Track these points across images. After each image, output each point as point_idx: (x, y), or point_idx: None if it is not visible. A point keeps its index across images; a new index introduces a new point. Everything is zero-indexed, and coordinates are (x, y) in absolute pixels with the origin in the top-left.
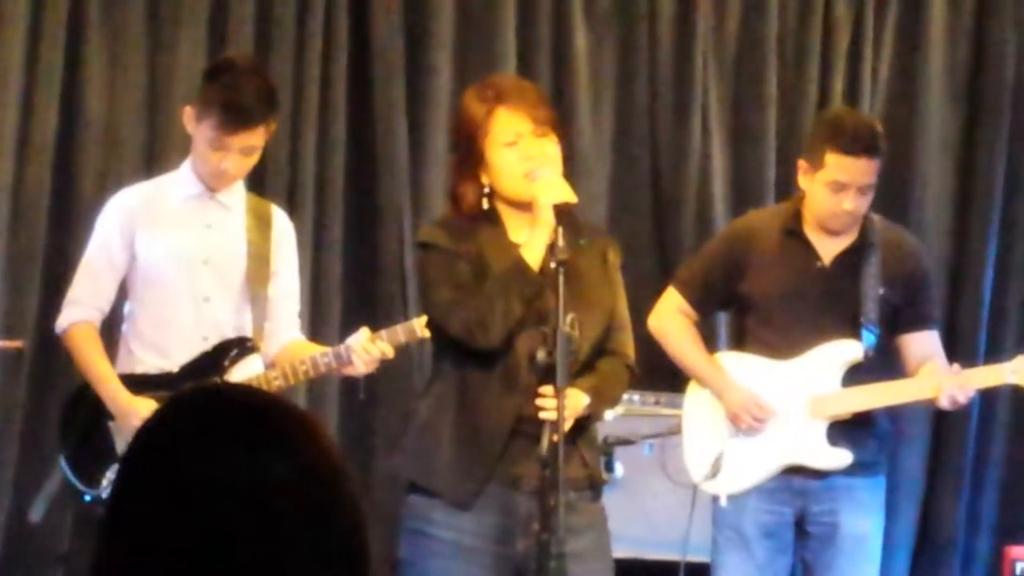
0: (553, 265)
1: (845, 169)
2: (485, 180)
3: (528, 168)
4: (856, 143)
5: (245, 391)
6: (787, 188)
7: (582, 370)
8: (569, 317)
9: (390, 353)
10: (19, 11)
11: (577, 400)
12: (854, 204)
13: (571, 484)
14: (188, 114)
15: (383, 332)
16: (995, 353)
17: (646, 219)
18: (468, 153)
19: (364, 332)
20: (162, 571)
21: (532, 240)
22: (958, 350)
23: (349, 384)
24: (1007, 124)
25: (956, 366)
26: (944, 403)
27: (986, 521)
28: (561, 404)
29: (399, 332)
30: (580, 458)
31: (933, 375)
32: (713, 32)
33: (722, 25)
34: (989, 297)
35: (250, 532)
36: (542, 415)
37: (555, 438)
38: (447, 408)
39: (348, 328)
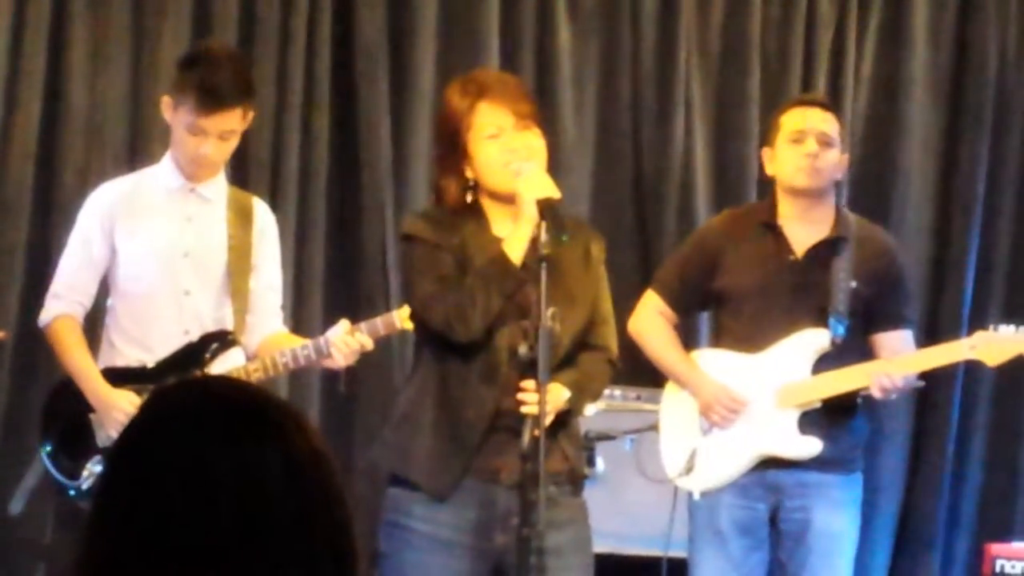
0: (537, 260)
1: (798, 117)
2: (469, 174)
3: (510, 160)
4: (805, 97)
5: (230, 384)
6: (769, 185)
7: (562, 364)
8: (550, 311)
9: (369, 345)
10: (2, 4)
11: (558, 394)
12: (815, 149)
13: (552, 478)
14: (166, 103)
15: (362, 324)
16: None
17: (629, 215)
18: (451, 147)
19: (343, 324)
20: (148, 566)
21: (514, 234)
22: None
23: (331, 377)
24: (989, 123)
25: (896, 355)
26: (875, 391)
27: (966, 519)
28: (543, 399)
29: (379, 324)
30: (561, 452)
31: (889, 360)
32: (696, 29)
33: (705, 22)
34: (971, 295)
35: (237, 525)
36: (523, 410)
37: (536, 433)
38: (427, 400)
39: (330, 322)
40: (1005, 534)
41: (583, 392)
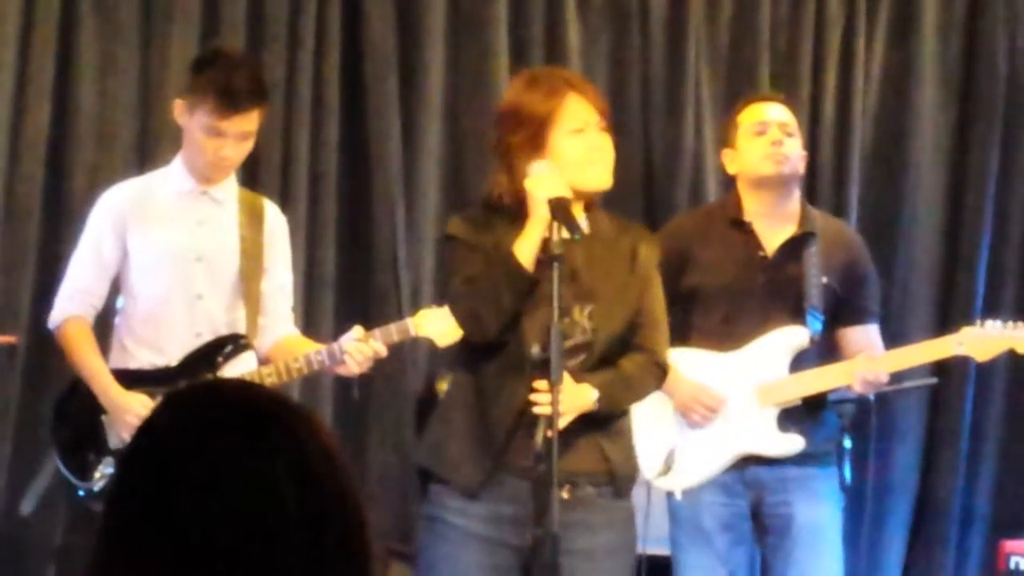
0: (549, 259)
1: (757, 111)
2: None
3: (594, 160)
4: (763, 94)
5: (243, 386)
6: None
7: (599, 364)
8: (587, 309)
9: (383, 352)
10: (11, 6)
11: (584, 395)
12: (779, 137)
13: (587, 478)
14: (179, 107)
15: (376, 331)
16: None
17: (639, 213)
18: (530, 136)
19: (357, 331)
20: (161, 567)
21: (525, 234)
22: None
23: (344, 382)
24: (999, 120)
25: (879, 351)
26: (857, 386)
27: (980, 516)
28: (556, 399)
29: (393, 331)
30: (599, 452)
31: (876, 356)
32: (705, 28)
33: (714, 22)
34: (983, 293)
35: (249, 527)
36: (535, 410)
37: (550, 433)
38: (460, 398)
39: (342, 323)
40: (1019, 531)
41: (615, 393)
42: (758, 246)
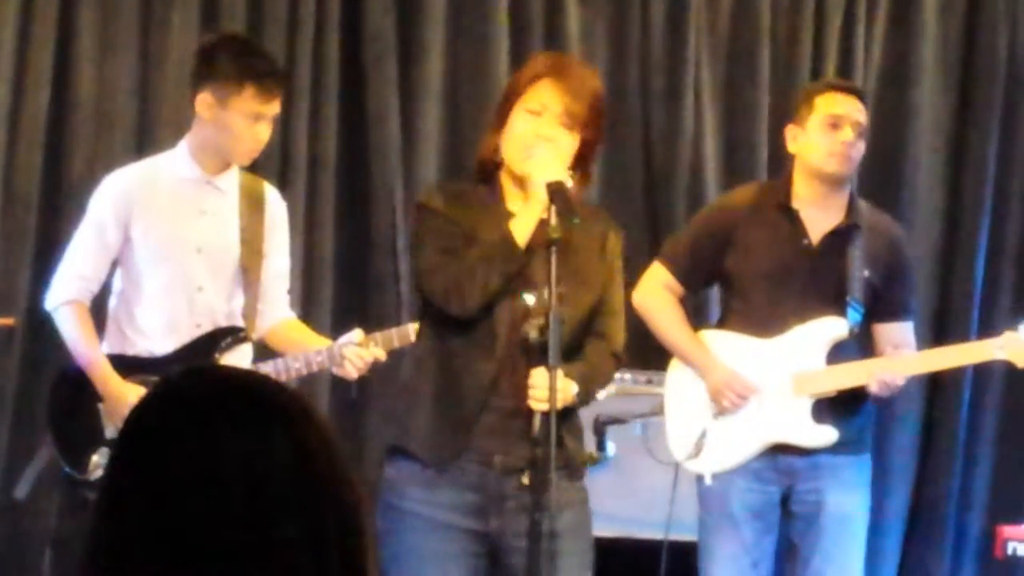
0: (547, 244)
1: (837, 103)
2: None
3: (534, 145)
4: (844, 83)
5: (238, 372)
6: (779, 167)
7: (567, 351)
8: (555, 290)
9: (382, 357)
10: None
11: (567, 389)
12: (851, 138)
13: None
14: (206, 100)
15: (377, 335)
16: (987, 335)
17: (639, 198)
18: (499, 109)
19: (357, 334)
20: (158, 554)
21: (522, 216)
22: (950, 332)
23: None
24: (999, 106)
25: (912, 349)
26: (873, 387)
27: (978, 501)
28: (553, 384)
29: (393, 336)
30: (560, 442)
31: (915, 355)
32: (705, 14)
33: (714, 7)
34: (981, 278)
35: (245, 513)
36: (532, 404)
37: (545, 414)
38: (427, 371)
39: (340, 308)
40: (1017, 516)
41: (589, 385)
42: (803, 234)
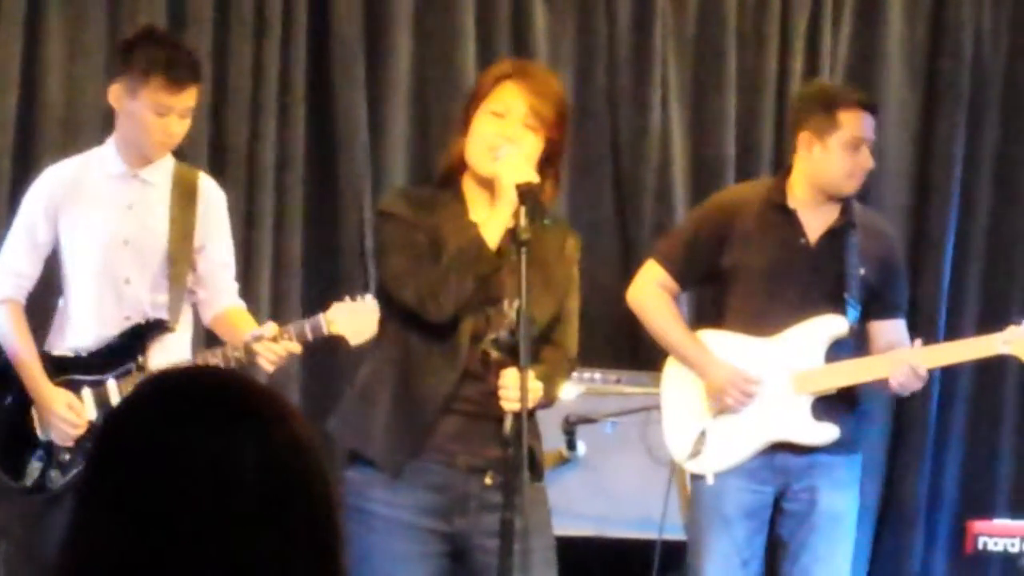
0: (517, 245)
1: (864, 125)
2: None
3: (497, 146)
4: (868, 101)
5: (216, 372)
6: (747, 168)
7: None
8: (516, 302)
9: (297, 350)
10: None
11: (535, 388)
12: (871, 163)
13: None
14: (117, 91)
15: (290, 327)
16: (955, 331)
17: (607, 200)
18: (463, 112)
19: (271, 327)
20: (128, 553)
21: (492, 218)
22: (918, 327)
23: (314, 364)
24: (966, 103)
25: (918, 342)
26: (894, 383)
27: (948, 497)
28: (525, 384)
29: (306, 328)
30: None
31: (919, 349)
32: (672, 13)
33: (681, 6)
34: (949, 274)
35: (222, 512)
36: (504, 405)
37: (516, 414)
38: (386, 376)
39: (309, 309)
40: (987, 511)
41: (550, 387)
42: (801, 233)
